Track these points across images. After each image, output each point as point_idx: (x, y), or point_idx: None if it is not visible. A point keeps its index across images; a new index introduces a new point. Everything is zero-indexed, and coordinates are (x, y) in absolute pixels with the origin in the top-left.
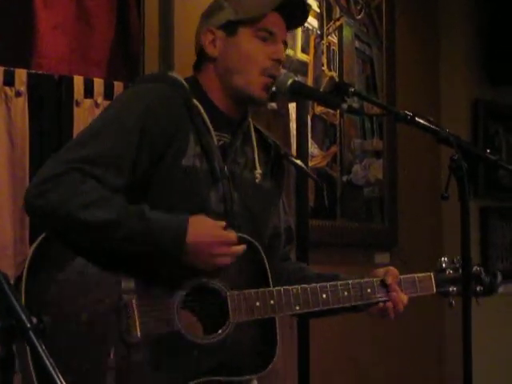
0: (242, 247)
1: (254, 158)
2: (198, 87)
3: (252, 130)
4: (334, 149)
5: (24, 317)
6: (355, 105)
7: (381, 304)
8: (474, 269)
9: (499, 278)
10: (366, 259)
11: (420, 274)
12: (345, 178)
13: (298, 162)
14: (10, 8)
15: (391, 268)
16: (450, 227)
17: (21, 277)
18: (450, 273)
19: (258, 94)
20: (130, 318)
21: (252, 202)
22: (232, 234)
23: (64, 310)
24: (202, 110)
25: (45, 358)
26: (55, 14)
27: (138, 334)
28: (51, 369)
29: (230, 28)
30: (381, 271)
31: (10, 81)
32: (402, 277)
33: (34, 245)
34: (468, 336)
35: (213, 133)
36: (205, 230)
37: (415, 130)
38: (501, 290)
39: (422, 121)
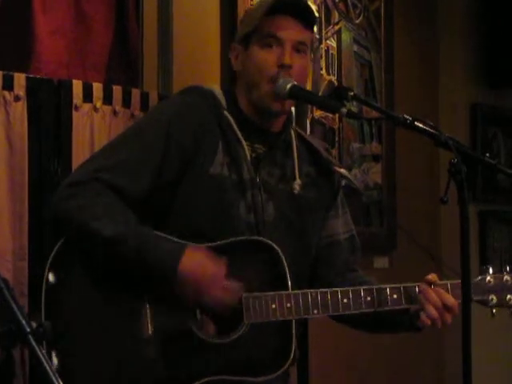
0: (233, 285)
1: (294, 169)
2: (234, 100)
3: (293, 141)
4: (333, 152)
5: (24, 321)
6: (354, 109)
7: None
8: (505, 278)
9: None
10: (365, 263)
11: (452, 281)
12: (343, 182)
13: (342, 170)
14: (9, 12)
15: (430, 275)
16: (448, 231)
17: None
18: (489, 281)
19: (270, 104)
20: (143, 315)
21: (290, 212)
22: (219, 270)
23: (78, 308)
24: (233, 121)
25: (44, 362)
26: (54, 18)
27: (150, 330)
28: (51, 373)
29: (246, 41)
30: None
31: (8, 85)
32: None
33: (55, 248)
34: (467, 347)
35: (244, 144)
36: (199, 262)
37: (414, 134)
38: None
39: (421, 125)
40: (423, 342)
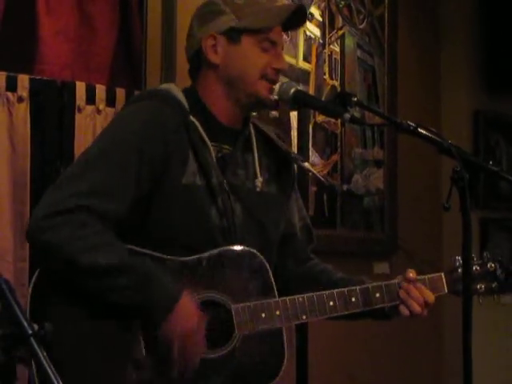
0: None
1: (254, 166)
2: (197, 99)
3: (253, 136)
4: (335, 158)
5: (25, 323)
6: (357, 114)
7: (399, 309)
8: (489, 265)
9: None
10: (365, 268)
11: (431, 275)
12: (345, 187)
13: (306, 164)
14: (13, 14)
15: (409, 270)
16: (450, 237)
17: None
18: (476, 269)
19: (265, 95)
20: (137, 335)
21: (256, 211)
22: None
23: (68, 337)
24: (199, 126)
25: (46, 364)
26: (58, 20)
27: (143, 352)
28: (52, 375)
29: (233, 35)
30: (399, 277)
31: (12, 86)
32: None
33: (33, 279)
34: (468, 349)
35: (210, 147)
36: (192, 313)
37: (416, 140)
38: None
39: (424, 131)
40: (423, 344)
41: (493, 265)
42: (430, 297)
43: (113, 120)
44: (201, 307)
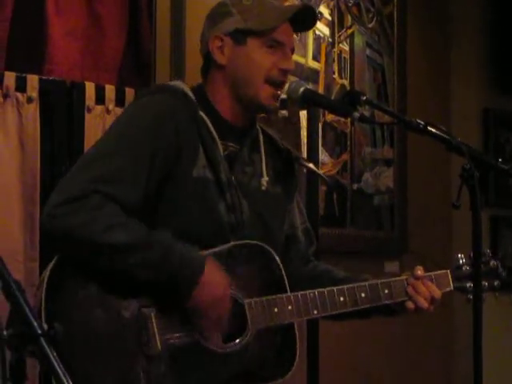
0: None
1: (261, 166)
2: (204, 97)
3: (260, 137)
4: (345, 157)
5: (35, 323)
6: (366, 113)
7: (406, 304)
8: (491, 263)
9: None
10: (375, 267)
11: (437, 272)
12: (355, 186)
13: (311, 165)
14: (23, 14)
15: (416, 267)
16: (460, 236)
17: (40, 300)
18: (466, 269)
19: (268, 102)
20: (150, 331)
21: (262, 210)
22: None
23: (84, 327)
24: (208, 122)
25: (56, 364)
26: (67, 20)
27: (159, 346)
28: (62, 376)
29: (239, 36)
30: (405, 273)
31: (21, 87)
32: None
33: (50, 266)
34: (478, 340)
35: (219, 143)
36: (218, 281)
37: (426, 139)
38: None
39: (433, 129)
40: (432, 343)
41: (495, 263)
42: (437, 293)
43: (124, 112)
44: None
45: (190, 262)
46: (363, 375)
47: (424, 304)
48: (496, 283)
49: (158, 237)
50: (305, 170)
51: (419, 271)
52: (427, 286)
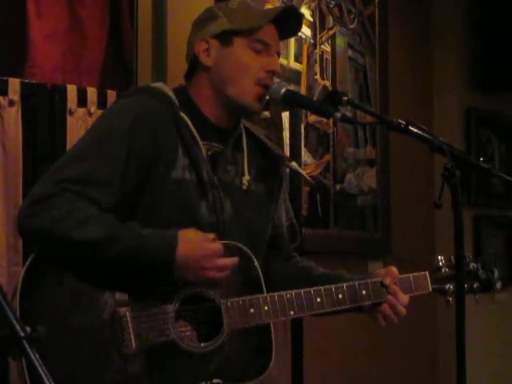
0: (230, 260)
1: (243, 165)
2: (187, 98)
3: (244, 136)
4: (327, 157)
5: (18, 326)
6: (348, 113)
7: (380, 306)
8: (471, 266)
9: (496, 274)
10: (359, 268)
11: (415, 274)
12: (338, 187)
13: (294, 164)
14: (3, 17)
15: (392, 268)
16: (443, 235)
17: (14, 294)
18: (446, 271)
19: (252, 104)
20: (125, 330)
21: (244, 209)
22: (218, 246)
23: (59, 326)
24: (189, 122)
25: (39, 367)
26: (48, 23)
27: (134, 345)
28: (45, 378)
29: (225, 38)
30: (382, 272)
31: (3, 90)
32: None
33: (26, 264)
34: (461, 341)
35: (201, 144)
36: (194, 243)
37: (408, 139)
38: (499, 286)
39: (415, 129)
40: (417, 344)
41: (475, 265)
42: (405, 300)
43: (103, 114)
44: (190, 301)
45: (163, 233)
46: (348, 370)
47: (394, 319)
48: (476, 285)
49: (127, 227)
50: (288, 170)
51: (393, 270)
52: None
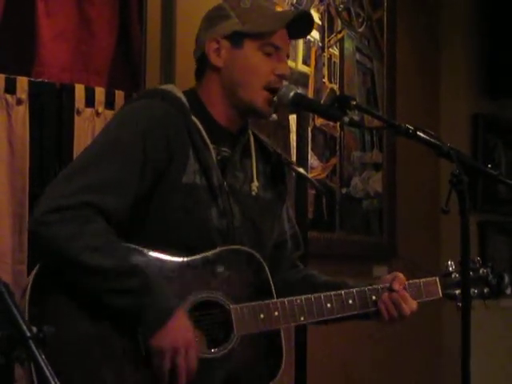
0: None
1: (252, 171)
2: (197, 101)
3: (252, 141)
4: (334, 161)
5: (24, 326)
6: (356, 117)
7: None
8: (481, 271)
9: (506, 279)
10: (364, 272)
11: (425, 279)
12: (344, 191)
13: (301, 169)
14: (13, 16)
15: (398, 274)
16: (448, 241)
17: (23, 296)
18: (456, 276)
19: (262, 107)
20: (136, 335)
21: (253, 215)
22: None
23: (68, 333)
24: (200, 126)
25: (44, 367)
26: (57, 22)
27: (144, 352)
28: (51, 378)
29: (236, 39)
30: (388, 278)
31: (11, 88)
32: (406, 282)
33: (35, 269)
34: (467, 347)
35: (211, 148)
36: (184, 331)
37: (415, 144)
38: (509, 291)
39: (422, 135)
40: (421, 345)
41: (485, 270)
42: (414, 305)
43: (115, 117)
44: (200, 307)
45: (163, 303)
46: (351, 373)
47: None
48: (486, 290)
49: (139, 268)
50: (294, 175)
51: (401, 276)
52: (403, 298)
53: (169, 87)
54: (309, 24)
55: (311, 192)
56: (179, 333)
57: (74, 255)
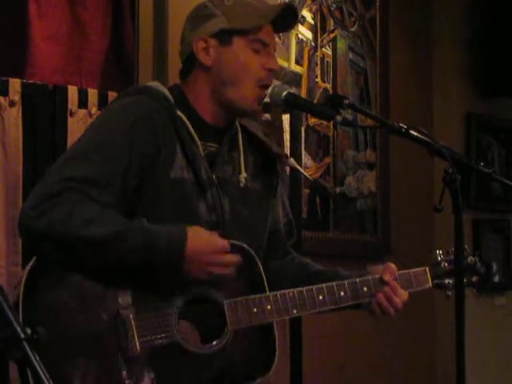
0: (236, 257)
1: (240, 163)
2: (183, 97)
3: (239, 134)
4: (328, 160)
5: (18, 328)
6: (349, 116)
7: (376, 297)
8: (469, 259)
9: (494, 267)
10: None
11: (415, 269)
12: (338, 190)
13: (292, 160)
14: (5, 18)
15: (390, 264)
16: (442, 239)
17: (16, 301)
18: (445, 265)
19: (252, 107)
20: (129, 333)
21: (242, 207)
22: (224, 243)
23: (63, 329)
24: (187, 121)
25: (38, 368)
26: (50, 24)
27: (138, 347)
28: (45, 379)
29: (224, 37)
30: (380, 268)
31: (3, 90)
32: (397, 273)
33: (28, 266)
34: (461, 343)
35: (198, 143)
36: (201, 239)
37: (408, 142)
38: (496, 279)
39: (415, 133)
40: (416, 341)
41: (473, 259)
42: (405, 296)
43: (102, 113)
44: (193, 302)
45: (172, 230)
46: (347, 373)
47: (391, 311)
48: (475, 279)
49: (135, 224)
50: (287, 172)
51: (393, 266)
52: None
53: (154, 84)
54: (293, 17)
55: (305, 191)
56: (201, 248)
57: (74, 234)
